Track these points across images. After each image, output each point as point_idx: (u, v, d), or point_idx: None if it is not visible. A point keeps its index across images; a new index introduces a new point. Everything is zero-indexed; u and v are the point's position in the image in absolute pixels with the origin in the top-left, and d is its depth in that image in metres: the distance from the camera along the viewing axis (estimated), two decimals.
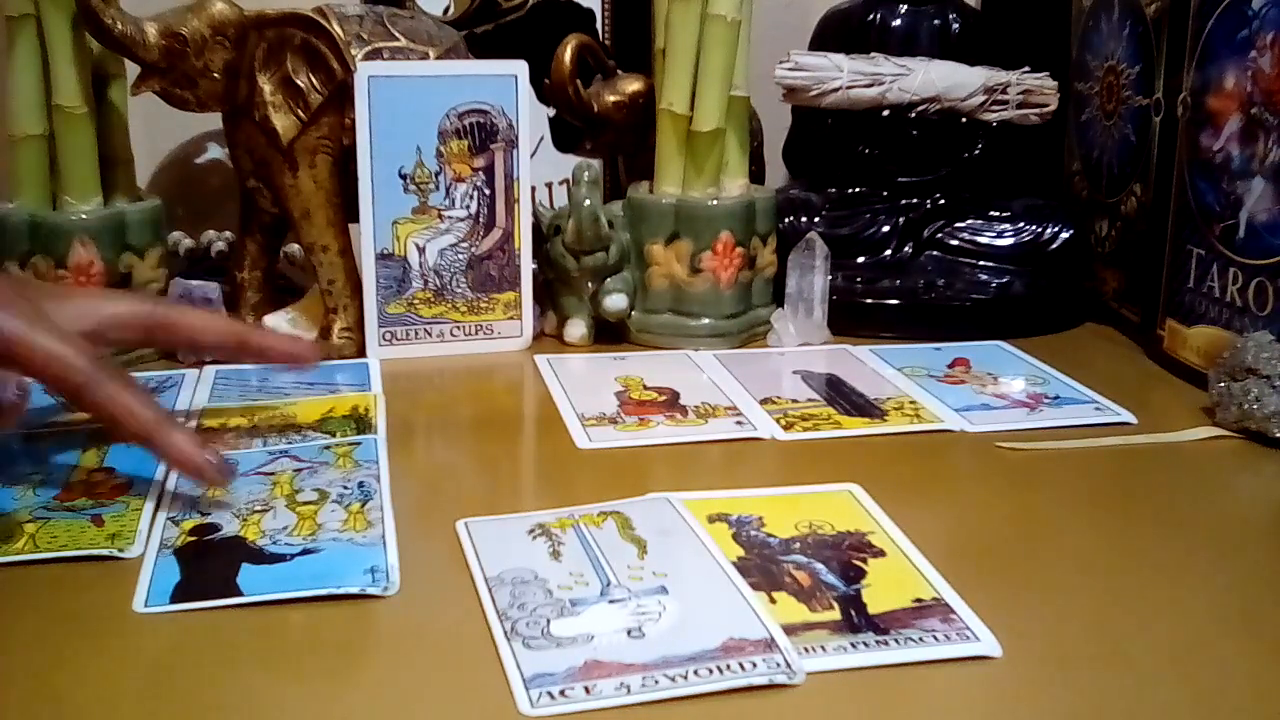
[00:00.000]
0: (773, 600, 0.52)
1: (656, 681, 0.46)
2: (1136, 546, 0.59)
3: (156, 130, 1.05)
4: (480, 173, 0.85)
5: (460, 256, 0.86)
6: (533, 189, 1.06)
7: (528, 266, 0.88)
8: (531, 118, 0.86)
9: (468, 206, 0.86)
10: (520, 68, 0.84)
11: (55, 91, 0.83)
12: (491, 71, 0.84)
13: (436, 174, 0.85)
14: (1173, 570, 0.57)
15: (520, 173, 0.85)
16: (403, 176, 0.84)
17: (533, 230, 0.94)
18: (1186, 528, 0.62)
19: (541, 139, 1.05)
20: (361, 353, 0.88)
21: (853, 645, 0.49)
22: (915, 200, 1.02)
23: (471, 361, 0.89)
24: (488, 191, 0.86)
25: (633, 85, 0.96)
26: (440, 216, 0.85)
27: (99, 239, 0.84)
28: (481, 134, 0.84)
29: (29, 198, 0.85)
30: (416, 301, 0.86)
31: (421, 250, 0.86)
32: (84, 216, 0.84)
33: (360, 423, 0.73)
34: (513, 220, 0.86)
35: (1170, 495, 0.66)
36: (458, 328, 0.88)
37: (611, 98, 0.96)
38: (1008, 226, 1.01)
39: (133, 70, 0.87)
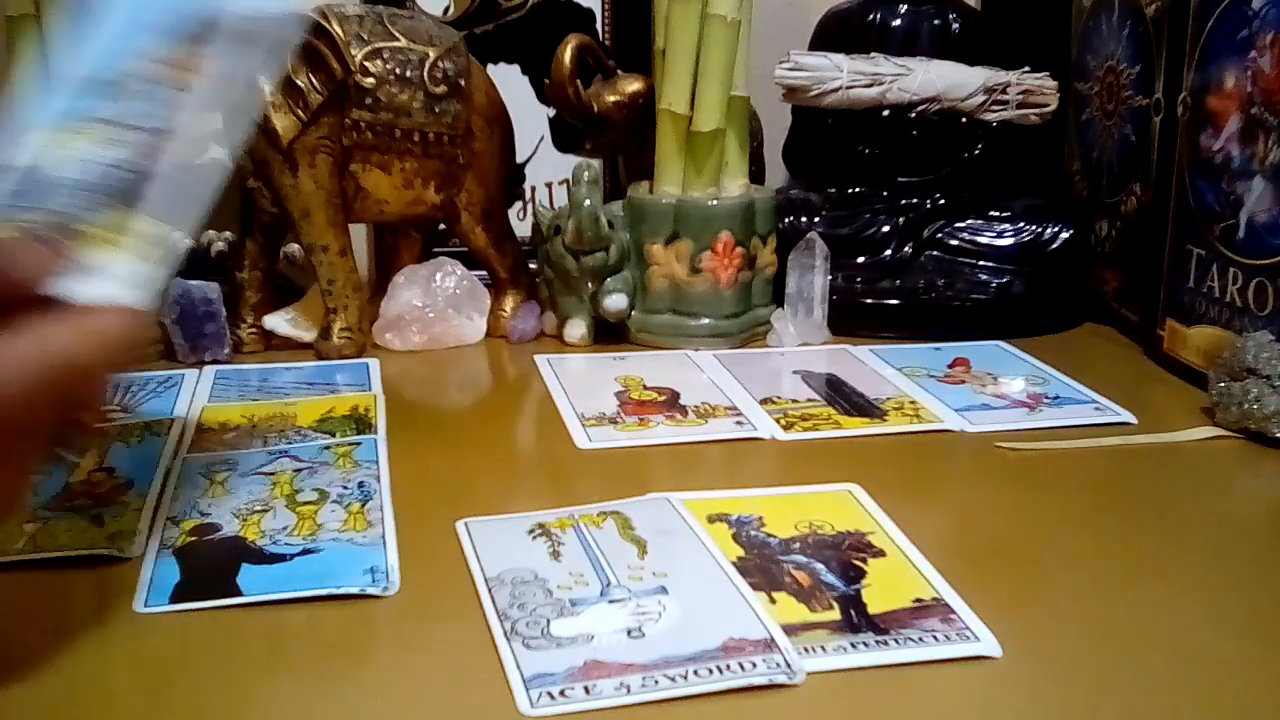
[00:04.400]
0: (773, 600, 0.52)
1: (656, 681, 0.46)
2: (1136, 546, 0.59)
3: None
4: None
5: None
6: (532, 189, 1.07)
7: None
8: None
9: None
10: None
11: None
12: None
13: None
14: (1173, 570, 0.57)
15: None
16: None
17: (533, 230, 0.95)
18: (1186, 528, 0.62)
19: (541, 139, 1.05)
20: (361, 353, 0.88)
21: (853, 645, 0.49)
22: (915, 200, 1.02)
23: (474, 361, 0.89)
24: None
25: (633, 85, 0.96)
26: None
27: None
28: None
29: None
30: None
31: None
32: None
33: (360, 423, 0.73)
34: None
35: (1170, 495, 0.66)
36: None
37: (611, 98, 0.96)
38: (1008, 226, 1.01)
39: None
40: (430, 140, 0.88)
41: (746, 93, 0.93)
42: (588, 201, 0.87)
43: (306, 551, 0.56)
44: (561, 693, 0.45)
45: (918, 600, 0.52)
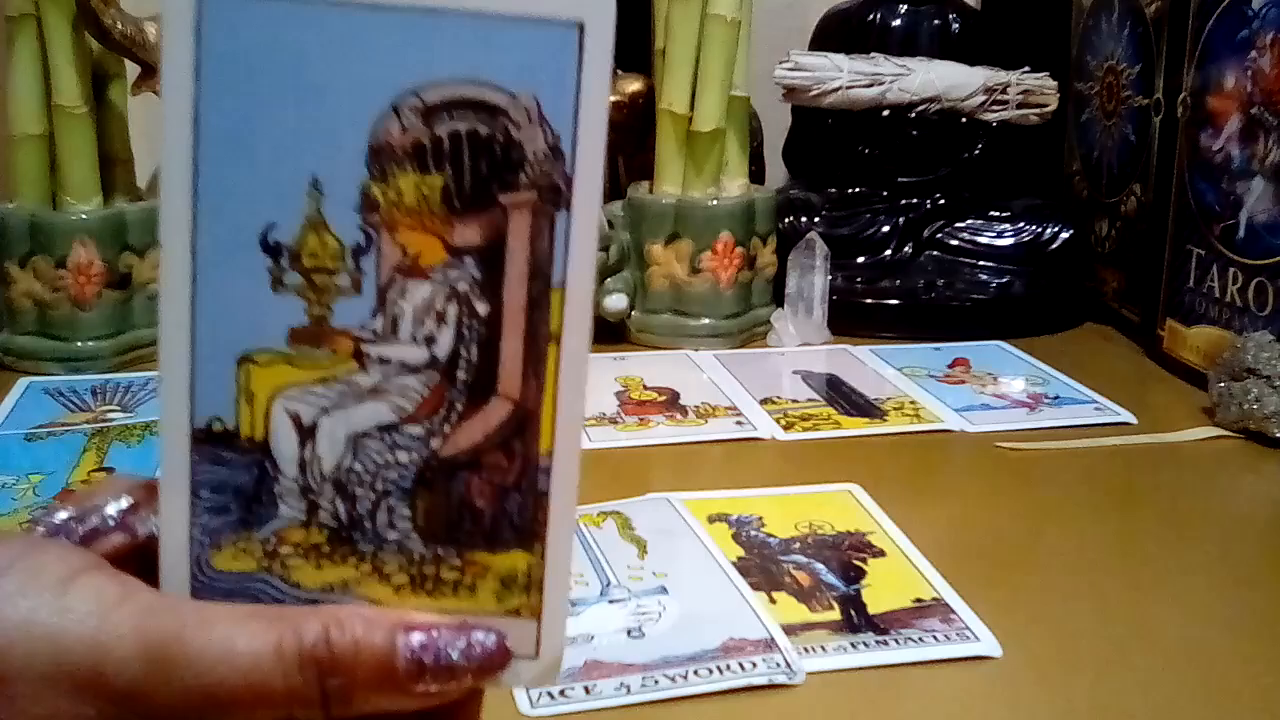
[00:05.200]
0: (773, 600, 0.52)
1: (656, 681, 0.46)
2: (1136, 546, 0.59)
3: (156, 130, 1.05)
4: (466, 258, 0.30)
5: (402, 458, 0.31)
6: None
7: (571, 492, 0.30)
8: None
9: (428, 340, 0.30)
10: (597, 4, 0.28)
11: (55, 91, 0.83)
12: (518, 10, 0.28)
13: (357, 250, 0.30)
14: (1172, 570, 0.57)
15: (573, 268, 0.29)
16: (269, 248, 0.29)
17: None
18: (1186, 528, 0.62)
19: None
20: None
21: (853, 645, 0.49)
22: (915, 200, 1.02)
23: None
24: (483, 308, 0.30)
25: (633, 85, 0.96)
26: (360, 356, 0.30)
27: (99, 239, 0.84)
28: (481, 162, 0.29)
29: (29, 198, 0.85)
30: (284, 551, 0.31)
31: (307, 433, 0.31)
32: (84, 216, 0.84)
33: None
34: (539, 383, 0.30)
35: (1170, 495, 0.66)
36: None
37: (612, 98, 0.96)
38: (1008, 226, 1.01)
39: (133, 70, 0.87)
40: None
41: (746, 93, 0.93)
42: None
43: None
44: (561, 693, 0.45)
45: (918, 600, 0.52)
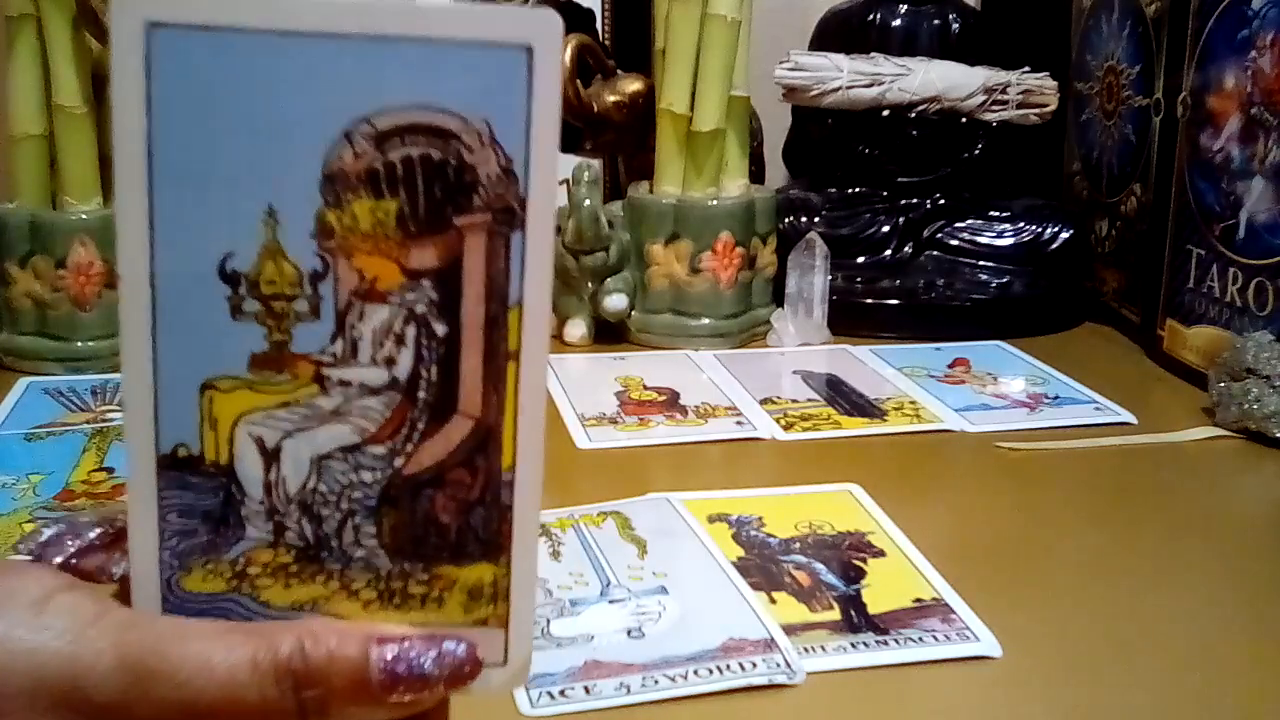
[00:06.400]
0: (773, 600, 0.52)
1: (656, 681, 0.46)
2: (1136, 546, 0.59)
3: None
4: (423, 280, 0.30)
5: (365, 477, 0.31)
6: None
7: (534, 503, 0.32)
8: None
9: (388, 362, 0.31)
10: (543, 28, 0.29)
11: (55, 91, 0.83)
12: (467, 35, 0.28)
13: (314, 276, 0.30)
14: (1172, 570, 0.57)
15: (529, 286, 0.30)
16: (228, 277, 0.30)
17: None
18: (1186, 528, 0.62)
19: None
20: None
21: (853, 645, 0.49)
22: (915, 200, 1.02)
23: None
24: (440, 329, 0.30)
25: (633, 85, 0.96)
26: (321, 379, 0.31)
27: (99, 239, 0.84)
28: (435, 186, 0.30)
29: (29, 198, 0.85)
30: (252, 572, 0.31)
31: (271, 456, 0.31)
32: (84, 216, 0.84)
33: None
34: (499, 400, 0.31)
35: (1170, 495, 0.66)
36: None
37: (611, 98, 0.96)
38: (1008, 226, 1.01)
39: None
40: None
41: (746, 93, 0.93)
42: (588, 201, 0.87)
43: None
44: (561, 693, 0.45)
45: (918, 600, 0.52)
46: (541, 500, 0.31)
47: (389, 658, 0.28)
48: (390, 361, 0.30)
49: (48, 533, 0.31)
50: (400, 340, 0.30)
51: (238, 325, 0.29)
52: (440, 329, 0.30)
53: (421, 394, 0.30)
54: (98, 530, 0.32)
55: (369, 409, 0.30)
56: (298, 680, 0.28)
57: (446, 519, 0.31)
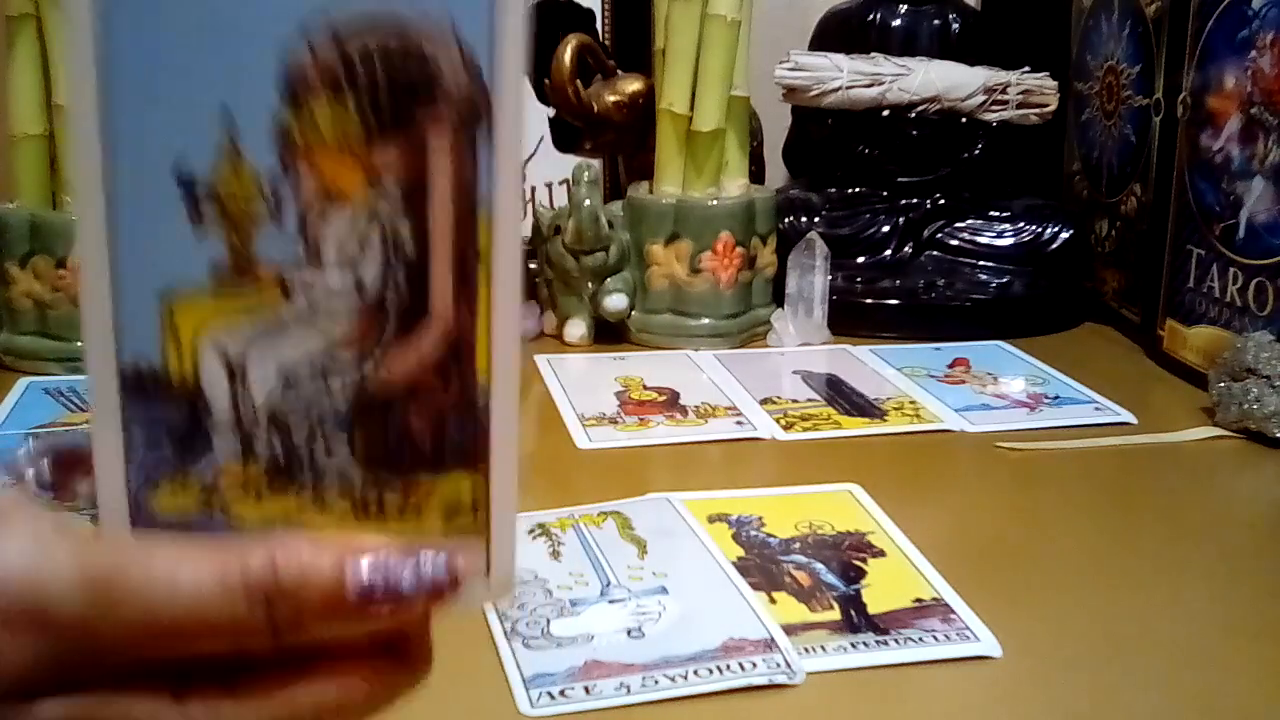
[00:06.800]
0: (773, 600, 0.52)
1: (656, 681, 0.46)
2: (1136, 546, 0.59)
3: None
4: (387, 181, 0.29)
5: (335, 385, 0.30)
6: (532, 189, 1.07)
7: (511, 410, 0.30)
8: (521, 56, 0.29)
9: (354, 265, 0.29)
10: None
11: (55, 91, 0.83)
12: None
13: (274, 179, 0.28)
14: (1172, 570, 0.57)
15: (499, 187, 0.28)
16: (184, 183, 0.28)
17: (533, 230, 0.94)
18: (1186, 528, 0.62)
19: (541, 139, 1.05)
20: None
21: (853, 645, 0.49)
22: (915, 200, 1.02)
23: None
24: (407, 231, 0.29)
25: (633, 85, 0.96)
26: (284, 286, 0.29)
27: None
28: (395, 79, 0.28)
29: (29, 198, 0.85)
30: (223, 486, 0.30)
31: (236, 368, 0.30)
32: None
33: None
34: (470, 306, 0.29)
35: (1170, 495, 0.66)
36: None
37: (611, 98, 0.96)
38: (1008, 226, 1.01)
39: None
40: None
41: (746, 93, 0.93)
42: (588, 201, 0.87)
43: None
44: (561, 692, 0.45)
45: (918, 600, 0.52)
46: (520, 409, 0.29)
47: (365, 569, 0.27)
48: (356, 265, 0.29)
49: (19, 451, 0.31)
50: (365, 243, 0.29)
51: (197, 232, 0.28)
52: (406, 231, 0.29)
53: (390, 298, 0.29)
54: (67, 448, 0.31)
55: (335, 314, 0.29)
56: (269, 596, 0.26)
57: (420, 428, 0.29)
